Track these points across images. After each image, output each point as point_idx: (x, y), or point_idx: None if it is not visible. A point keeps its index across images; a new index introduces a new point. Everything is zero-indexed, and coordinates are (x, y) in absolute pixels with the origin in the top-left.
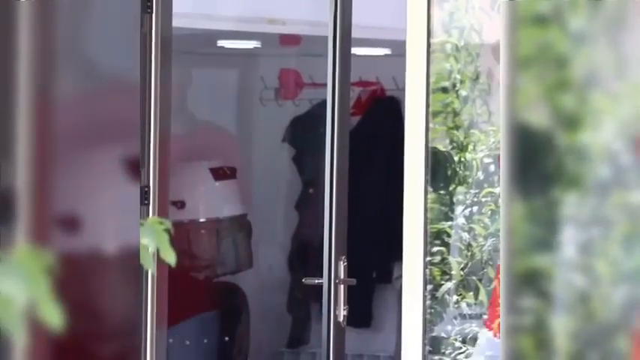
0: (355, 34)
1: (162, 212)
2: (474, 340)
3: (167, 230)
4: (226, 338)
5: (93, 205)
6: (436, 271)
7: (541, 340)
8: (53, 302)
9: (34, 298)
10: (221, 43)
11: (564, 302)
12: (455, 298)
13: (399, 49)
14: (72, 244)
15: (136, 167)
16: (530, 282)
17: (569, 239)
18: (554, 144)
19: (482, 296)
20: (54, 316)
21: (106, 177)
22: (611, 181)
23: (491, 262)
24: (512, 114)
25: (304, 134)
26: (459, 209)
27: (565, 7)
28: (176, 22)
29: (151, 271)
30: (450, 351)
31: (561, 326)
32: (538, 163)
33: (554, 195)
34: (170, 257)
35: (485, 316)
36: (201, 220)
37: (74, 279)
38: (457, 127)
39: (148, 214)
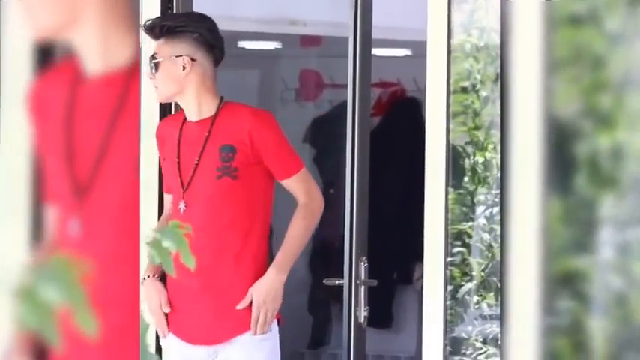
0: (376, 35)
1: None
2: (495, 340)
3: (187, 235)
4: None
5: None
6: (457, 272)
7: (577, 342)
8: (88, 309)
9: (70, 304)
10: (242, 44)
11: (601, 304)
12: (475, 298)
13: (419, 49)
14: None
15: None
16: (567, 283)
17: (606, 240)
18: (590, 144)
19: None
20: (89, 323)
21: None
22: None
23: None
24: (548, 114)
25: (325, 135)
26: (479, 210)
27: (601, 7)
28: None
29: (173, 275)
30: (471, 351)
31: (598, 328)
32: (573, 163)
33: (590, 195)
34: (190, 262)
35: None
36: None
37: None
38: (477, 128)
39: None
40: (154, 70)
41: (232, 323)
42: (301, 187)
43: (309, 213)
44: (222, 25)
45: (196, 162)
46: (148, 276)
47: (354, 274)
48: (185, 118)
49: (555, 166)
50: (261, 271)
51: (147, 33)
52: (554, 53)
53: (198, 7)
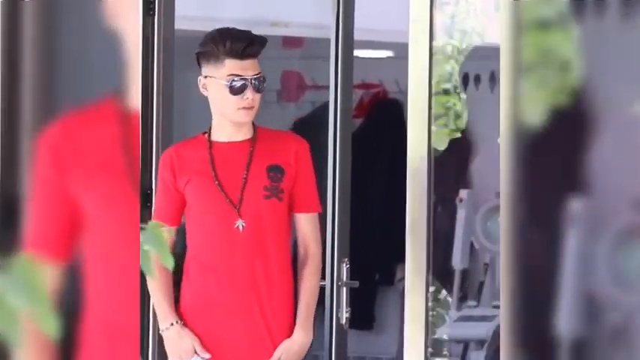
0: (358, 36)
1: None
2: (476, 342)
3: (166, 234)
4: None
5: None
6: None
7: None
8: (51, 312)
9: (33, 307)
10: None
11: (569, 305)
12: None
13: (401, 51)
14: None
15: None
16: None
17: (572, 243)
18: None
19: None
20: (51, 326)
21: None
22: None
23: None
24: (515, 118)
25: (307, 136)
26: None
27: (568, 12)
28: (178, 25)
29: (149, 277)
30: (453, 353)
31: (566, 329)
32: (540, 167)
33: (557, 198)
34: (169, 262)
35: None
36: None
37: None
38: (459, 130)
39: (150, 217)
40: (260, 89)
41: (264, 353)
42: (313, 231)
43: (317, 268)
44: (204, 27)
45: (243, 180)
46: (172, 324)
47: (336, 275)
48: (208, 141)
49: (521, 169)
50: (289, 306)
51: (240, 54)
52: (521, 57)
53: (180, 8)
